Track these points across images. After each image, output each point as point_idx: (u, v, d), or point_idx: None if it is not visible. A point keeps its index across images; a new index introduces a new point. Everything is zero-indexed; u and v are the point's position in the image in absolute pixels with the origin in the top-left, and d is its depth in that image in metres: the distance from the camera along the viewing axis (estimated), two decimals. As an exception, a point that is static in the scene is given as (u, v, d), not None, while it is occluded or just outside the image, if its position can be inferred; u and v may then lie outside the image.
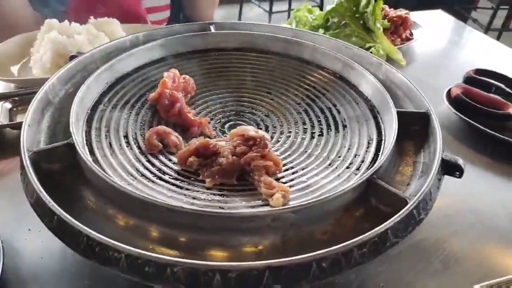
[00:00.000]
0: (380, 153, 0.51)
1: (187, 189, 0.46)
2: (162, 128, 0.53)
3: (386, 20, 0.97)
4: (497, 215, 0.58)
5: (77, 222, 0.36)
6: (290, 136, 0.57)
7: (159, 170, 0.48)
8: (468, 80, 0.83)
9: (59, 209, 0.38)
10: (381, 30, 0.93)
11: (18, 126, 0.58)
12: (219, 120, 0.60)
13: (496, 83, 0.83)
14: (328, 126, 0.58)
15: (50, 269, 0.45)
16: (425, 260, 0.51)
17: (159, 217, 0.40)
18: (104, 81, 0.59)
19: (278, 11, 3.12)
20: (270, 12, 3.08)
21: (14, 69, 0.85)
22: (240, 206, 0.44)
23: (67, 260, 0.45)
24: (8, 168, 0.61)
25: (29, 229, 0.48)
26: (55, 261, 0.45)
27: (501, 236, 0.55)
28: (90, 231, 0.35)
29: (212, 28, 0.72)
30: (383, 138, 0.54)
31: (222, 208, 0.43)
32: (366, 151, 0.52)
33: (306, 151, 0.54)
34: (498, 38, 2.91)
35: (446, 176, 0.47)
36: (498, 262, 0.51)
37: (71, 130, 0.47)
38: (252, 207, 0.44)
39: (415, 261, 0.51)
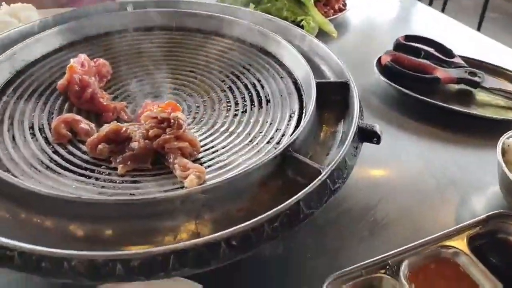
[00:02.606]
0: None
1: (96, 178, 0.43)
2: (71, 115, 0.50)
3: (317, -8, 0.95)
4: (424, 179, 0.59)
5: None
6: (213, 115, 0.55)
7: (67, 160, 0.45)
8: (398, 46, 0.83)
9: None
10: (312, 1, 0.92)
11: None
12: (138, 104, 0.57)
13: (425, 47, 0.83)
14: (252, 102, 0.57)
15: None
16: (352, 227, 0.51)
17: (62, 211, 0.38)
18: (7, 70, 0.55)
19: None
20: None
21: None
22: (153, 191, 0.42)
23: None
24: None
25: None
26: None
27: (427, 199, 0.56)
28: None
29: (129, 8, 0.69)
30: (304, 110, 0.53)
31: (133, 194, 0.41)
32: (288, 125, 0.51)
33: (228, 129, 0.52)
34: (443, 6, 2.96)
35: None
36: (423, 226, 0.52)
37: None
38: (166, 191, 0.42)
39: (341, 230, 0.51)
